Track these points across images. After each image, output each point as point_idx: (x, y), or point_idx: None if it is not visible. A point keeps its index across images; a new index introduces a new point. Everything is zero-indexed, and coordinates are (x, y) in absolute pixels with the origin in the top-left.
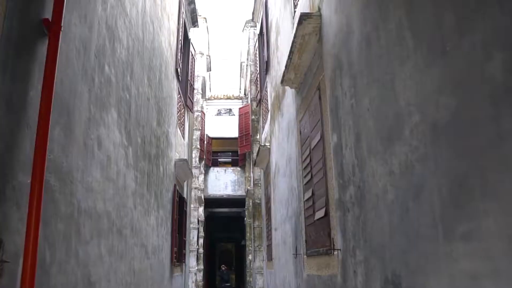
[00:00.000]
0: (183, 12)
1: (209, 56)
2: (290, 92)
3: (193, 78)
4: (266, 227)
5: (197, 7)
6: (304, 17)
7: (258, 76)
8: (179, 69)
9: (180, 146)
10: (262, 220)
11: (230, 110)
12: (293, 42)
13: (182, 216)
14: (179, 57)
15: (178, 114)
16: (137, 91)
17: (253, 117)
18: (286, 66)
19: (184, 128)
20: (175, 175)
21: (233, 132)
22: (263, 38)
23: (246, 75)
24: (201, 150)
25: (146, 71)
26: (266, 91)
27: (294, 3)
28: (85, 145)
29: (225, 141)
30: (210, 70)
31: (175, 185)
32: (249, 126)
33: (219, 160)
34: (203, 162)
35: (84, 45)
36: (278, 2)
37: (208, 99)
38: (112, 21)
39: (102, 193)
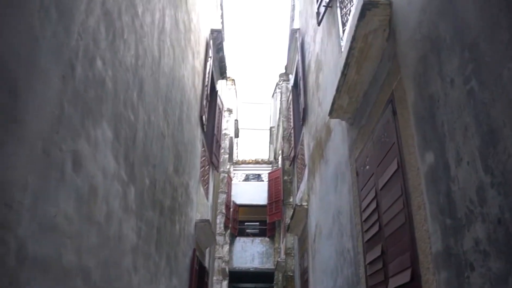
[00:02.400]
0: (210, 57)
1: (237, 121)
2: (338, 130)
3: (220, 134)
4: None
5: (226, 63)
6: (367, 6)
7: (292, 131)
8: (204, 118)
9: (202, 207)
10: None
11: (259, 175)
12: (349, 51)
13: None
14: (204, 104)
15: (202, 169)
16: (148, 119)
17: (285, 177)
18: (337, 90)
19: (208, 187)
20: (194, 238)
21: (262, 200)
22: (299, 86)
23: (277, 140)
24: (227, 218)
25: (161, 100)
26: (302, 145)
27: (342, 21)
28: (48, 156)
29: (253, 209)
30: (238, 137)
31: (194, 250)
32: (279, 192)
33: (246, 229)
34: (229, 231)
35: (59, 8)
36: (318, 35)
37: (235, 163)
38: (113, 6)
39: (77, 238)
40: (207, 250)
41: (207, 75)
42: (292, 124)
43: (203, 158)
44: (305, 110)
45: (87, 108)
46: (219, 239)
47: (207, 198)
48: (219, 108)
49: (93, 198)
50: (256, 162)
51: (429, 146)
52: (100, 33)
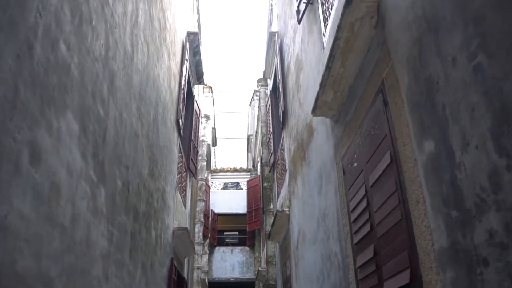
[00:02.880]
0: (186, 60)
1: (215, 130)
2: (322, 129)
3: (197, 140)
4: None
5: (203, 68)
6: None
7: (271, 136)
8: (181, 122)
9: (180, 214)
10: None
11: (238, 183)
12: (334, 43)
13: None
14: (180, 108)
15: (179, 176)
16: (120, 116)
17: (265, 184)
18: (321, 85)
19: (185, 194)
20: (172, 247)
21: (241, 208)
22: (278, 90)
23: (255, 147)
24: (205, 227)
25: (135, 97)
26: (283, 150)
27: (324, 17)
28: None
29: (232, 218)
30: (216, 145)
31: (172, 260)
32: (259, 200)
33: (225, 239)
34: (207, 240)
35: None
36: (298, 35)
37: (214, 171)
38: None
39: (35, 242)
40: (186, 259)
41: (183, 78)
42: (271, 129)
43: (180, 164)
44: (284, 113)
45: (48, 94)
46: (198, 248)
47: (185, 205)
48: (196, 114)
49: (56, 197)
50: (235, 170)
51: (428, 134)
52: (64, 14)
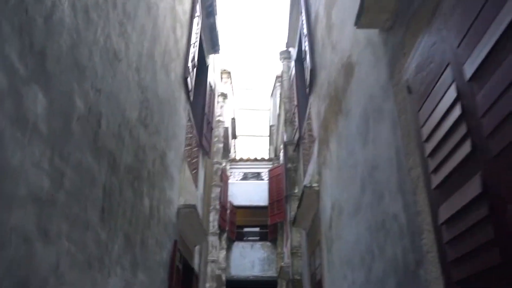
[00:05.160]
0: (198, 15)
1: (234, 120)
2: (367, 55)
3: (212, 117)
4: None
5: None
6: None
7: (296, 110)
8: (189, 82)
9: (189, 193)
10: None
11: (258, 174)
12: None
13: None
14: (189, 66)
15: (189, 148)
16: (86, 15)
17: (289, 165)
18: None
19: (197, 174)
20: (177, 229)
21: (262, 200)
22: (304, 51)
23: (277, 138)
24: (223, 220)
25: (115, 8)
26: (310, 119)
27: None
28: None
29: (252, 211)
30: (236, 138)
31: (175, 243)
32: (281, 190)
33: (244, 231)
34: (225, 235)
35: None
36: None
37: (233, 160)
38: None
39: None
40: (196, 249)
41: (194, 35)
42: (295, 102)
43: (190, 136)
44: (312, 71)
45: None
46: (213, 239)
47: (196, 186)
48: (211, 86)
49: None
50: (255, 160)
51: None
52: None
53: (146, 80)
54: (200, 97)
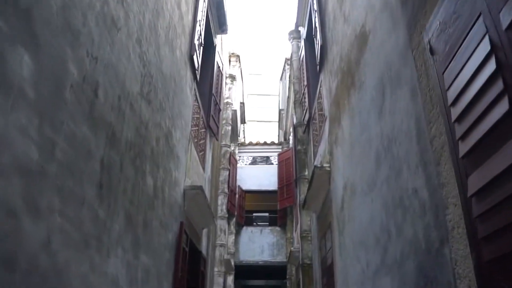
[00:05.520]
0: None
1: (243, 104)
2: (382, 20)
3: (220, 98)
4: None
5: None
6: None
7: (306, 90)
8: (196, 60)
9: (197, 175)
10: None
11: (268, 158)
12: None
13: (197, 279)
14: (195, 44)
15: (196, 129)
16: None
17: (298, 147)
18: None
19: (205, 155)
20: (184, 210)
21: (271, 185)
22: (314, 27)
23: (287, 122)
24: (232, 204)
25: None
26: (320, 98)
27: None
28: None
29: (261, 196)
30: (245, 122)
31: (182, 225)
32: (291, 173)
33: (253, 216)
34: (234, 219)
35: None
36: None
37: (241, 145)
38: None
39: None
40: (204, 232)
41: (199, 12)
42: (305, 82)
43: (197, 116)
44: (323, 47)
45: None
46: (221, 223)
47: (204, 168)
48: (219, 67)
49: None
50: (265, 144)
51: None
52: None
53: (148, 53)
54: (207, 78)
